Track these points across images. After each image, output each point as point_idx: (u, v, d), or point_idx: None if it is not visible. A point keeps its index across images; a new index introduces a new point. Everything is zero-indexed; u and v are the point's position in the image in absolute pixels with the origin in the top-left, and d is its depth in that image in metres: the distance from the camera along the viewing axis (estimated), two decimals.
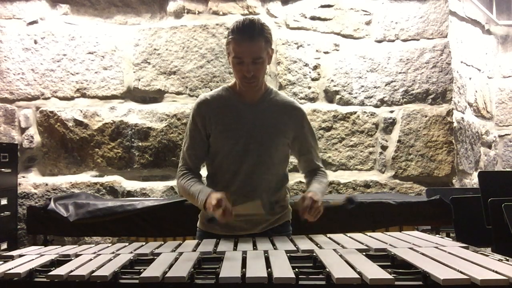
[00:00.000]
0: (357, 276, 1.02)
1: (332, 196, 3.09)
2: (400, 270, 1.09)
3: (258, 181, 1.68)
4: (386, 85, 3.49)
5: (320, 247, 1.37)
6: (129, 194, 3.40)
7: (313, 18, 3.53)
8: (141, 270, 1.12)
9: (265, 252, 1.29)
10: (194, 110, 1.74)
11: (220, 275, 1.06)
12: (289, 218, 1.83)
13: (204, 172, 1.80)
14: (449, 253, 1.24)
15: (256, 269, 1.10)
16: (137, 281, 1.09)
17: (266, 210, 1.54)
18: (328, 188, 1.86)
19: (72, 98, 3.50)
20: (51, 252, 1.43)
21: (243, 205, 1.59)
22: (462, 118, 3.63)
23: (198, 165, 1.76)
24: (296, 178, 3.31)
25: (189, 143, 1.73)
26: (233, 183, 1.68)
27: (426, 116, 3.45)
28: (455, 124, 3.45)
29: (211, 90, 3.36)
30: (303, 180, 3.37)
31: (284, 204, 1.80)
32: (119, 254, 1.34)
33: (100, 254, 1.35)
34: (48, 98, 3.51)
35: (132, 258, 1.29)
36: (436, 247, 1.33)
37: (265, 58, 1.64)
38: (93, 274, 1.12)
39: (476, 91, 3.94)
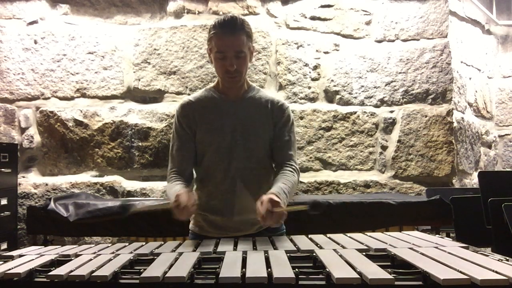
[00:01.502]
0: (357, 276, 1.02)
1: (332, 196, 3.09)
2: (400, 270, 1.09)
3: (249, 177, 1.68)
4: (386, 85, 3.49)
5: (320, 247, 1.37)
6: (129, 194, 3.40)
7: (313, 18, 3.53)
8: (141, 270, 1.12)
9: (265, 252, 1.29)
10: (178, 112, 1.74)
11: (220, 275, 1.06)
12: None
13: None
14: (449, 253, 1.24)
15: (256, 269, 1.10)
16: (137, 281, 1.08)
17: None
18: (296, 188, 1.74)
19: (72, 98, 3.50)
20: (51, 252, 1.43)
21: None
22: (462, 118, 3.63)
23: (188, 167, 1.75)
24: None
25: (178, 145, 1.74)
26: (225, 180, 1.68)
27: (426, 116, 3.45)
28: (455, 124, 3.45)
29: None
30: (303, 180, 3.40)
31: None
32: (119, 254, 1.34)
33: (100, 254, 1.35)
34: (48, 98, 3.50)
35: (132, 258, 1.29)
36: (436, 247, 1.32)
37: (247, 53, 1.64)
38: (93, 274, 1.12)
39: (476, 91, 3.94)
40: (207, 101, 1.74)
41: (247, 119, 1.71)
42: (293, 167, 1.70)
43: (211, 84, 1.80)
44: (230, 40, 1.60)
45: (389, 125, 3.48)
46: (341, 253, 1.25)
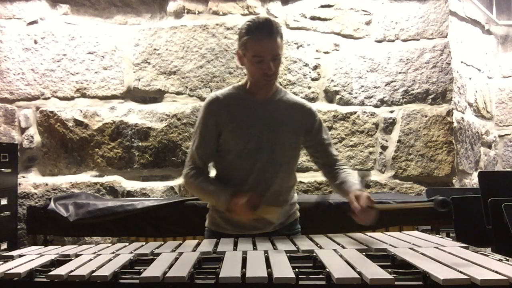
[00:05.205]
0: (357, 276, 1.02)
1: (331, 197, 3.08)
2: (400, 270, 1.09)
3: (271, 179, 1.69)
4: (386, 85, 3.49)
5: (320, 247, 1.37)
6: (129, 194, 3.40)
7: (313, 18, 3.53)
8: (141, 270, 1.12)
9: (265, 252, 1.29)
10: (206, 108, 1.72)
11: (220, 275, 1.06)
12: (298, 216, 1.84)
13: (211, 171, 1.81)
14: (449, 253, 1.25)
15: (256, 269, 1.10)
16: (137, 281, 1.09)
17: (279, 219, 1.57)
18: None
19: (72, 98, 3.50)
20: (51, 252, 1.43)
21: (263, 208, 1.59)
22: (462, 118, 3.63)
23: (207, 164, 1.75)
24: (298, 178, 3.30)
25: (199, 142, 1.71)
26: (246, 181, 1.67)
27: (426, 116, 3.45)
28: (455, 124, 3.45)
29: (211, 90, 3.40)
30: (303, 180, 3.39)
31: (294, 202, 1.82)
32: (119, 254, 1.34)
33: (100, 254, 1.35)
34: (48, 98, 3.50)
35: (132, 258, 1.29)
36: (436, 247, 1.33)
37: (281, 54, 1.66)
38: (93, 274, 1.12)
39: (476, 91, 3.94)
40: (235, 99, 1.72)
41: (275, 122, 1.71)
42: (346, 165, 1.81)
43: (239, 83, 1.78)
44: (268, 44, 1.59)
45: (389, 125, 3.48)
46: (341, 253, 1.25)
